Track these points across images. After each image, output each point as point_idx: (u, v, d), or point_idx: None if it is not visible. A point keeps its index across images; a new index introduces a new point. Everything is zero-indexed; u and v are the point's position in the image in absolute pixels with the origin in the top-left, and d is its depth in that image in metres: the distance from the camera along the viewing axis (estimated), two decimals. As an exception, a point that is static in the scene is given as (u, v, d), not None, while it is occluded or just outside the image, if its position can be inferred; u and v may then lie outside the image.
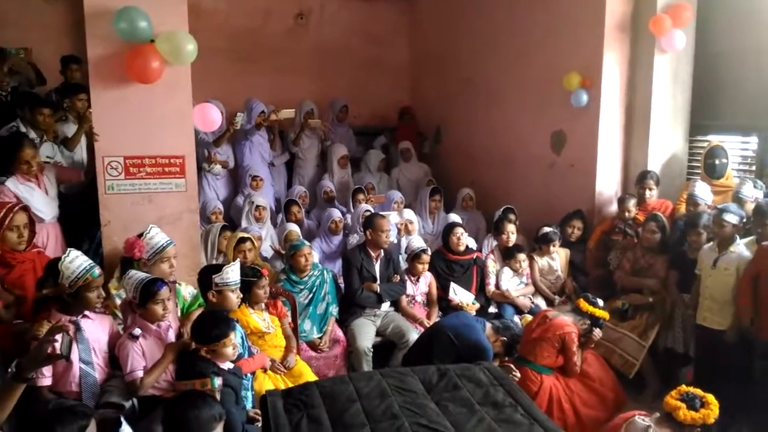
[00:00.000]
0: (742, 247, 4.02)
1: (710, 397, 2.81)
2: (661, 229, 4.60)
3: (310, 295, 4.61)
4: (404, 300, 4.91)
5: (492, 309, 4.96)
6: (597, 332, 3.86)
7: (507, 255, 5.15)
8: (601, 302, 3.93)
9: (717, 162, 4.87)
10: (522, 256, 5.08)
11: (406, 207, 6.02)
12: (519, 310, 4.91)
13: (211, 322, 3.05)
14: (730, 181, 4.84)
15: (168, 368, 3.08)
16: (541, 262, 5.14)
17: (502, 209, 5.54)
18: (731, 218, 4.01)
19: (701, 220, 4.34)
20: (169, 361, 3.08)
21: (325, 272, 4.76)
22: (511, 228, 5.17)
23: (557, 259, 5.14)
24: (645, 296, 4.60)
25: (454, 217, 5.83)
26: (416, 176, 7.13)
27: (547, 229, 5.10)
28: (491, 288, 5.03)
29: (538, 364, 3.69)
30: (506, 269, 5.08)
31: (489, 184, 6.69)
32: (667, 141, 5.38)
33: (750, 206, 4.27)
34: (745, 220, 4.12)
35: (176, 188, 4.41)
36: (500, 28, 6.50)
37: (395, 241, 5.41)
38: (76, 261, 3.05)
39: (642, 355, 4.43)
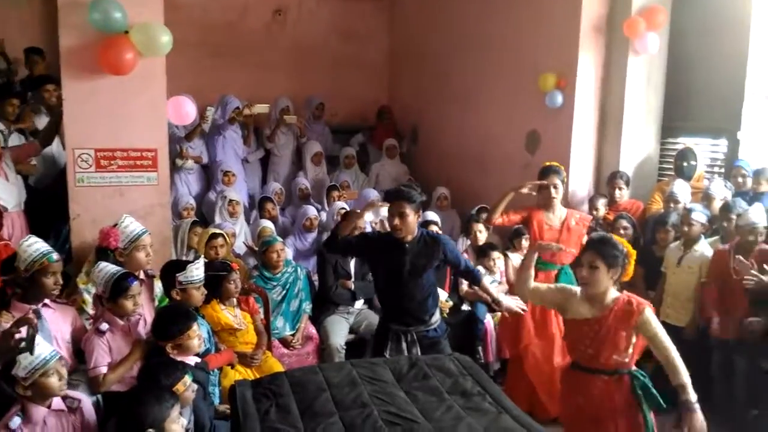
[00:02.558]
0: (705, 247, 4.12)
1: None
2: (632, 227, 4.67)
3: (283, 292, 4.59)
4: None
5: (465, 307, 4.98)
6: None
7: (481, 254, 5.17)
8: None
9: (687, 164, 4.97)
10: (495, 254, 5.11)
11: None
12: (492, 308, 4.93)
13: (171, 317, 2.99)
14: (700, 182, 4.93)
15: (136, 365, 3.02)
16: (516, 259, 5.17)
17: (475, 209, 5.57)
18: (699, 217, 4.11)
19: (670, 219, 4.43)
20: (136, 359, 3.02)
21: (298, 269, 4.73)
22: (479, 227, 5.20)
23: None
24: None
25: (431, 216, 5.84)
26: (397, 174, 7.14)
27: (518, 225, 5.15)
28: (464, 287, 5.05)
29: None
30: (479, 268, 5.10)
31: (464, 184, 6.72)
32: (639, 142, 5.46)
33: (717, 204, 4.36)
34: (710, 219, 4.21)
35: (148, 182, 4.36)
36: (477, 28, 6.54)
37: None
38: (35, 245, 3.00)
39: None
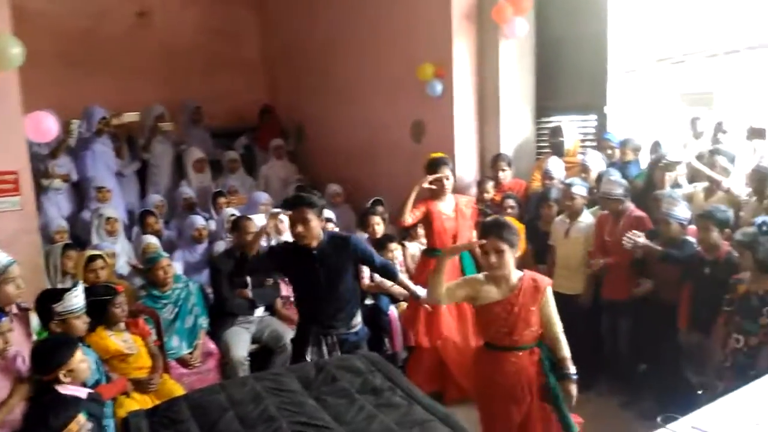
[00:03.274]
0: (588, 217, 4.35)
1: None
2: (518, 205, 4.84)
3: (176, 310, 4.32)
4: (279, 302, 4.77)
5: (368, 301, 4.94)
6: None
7: (380, 246, 5.15)
8: None
9: (557, 140, 5.22)
10: (393, 246, 5.10)
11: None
12: (394, 299, 4.93)
13: (49, 348, 2.73)
14: (575, 157, 5.20)
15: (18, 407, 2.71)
16: (412, 248, 5.20)
17: (370, 202, 5.55)
18: (579, 190, 4.33)
19: (552, 194, 4.64)
20: (18, 400, 2.71)
21: (190, 284, 4.48)
22: (375, 220, 5.19)
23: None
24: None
25: (326, 214, 5.74)
26: (286, 175, 6.97)
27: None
28: (366, 281, 5.01)
29: None
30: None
31: (356, 178, 6.69)
32: (516, 124, 5.67)
33: (593, 175, 4.61)
34: (590, 190, 4.45)
35: (11, 207, 4.05)
36: (353, 21, 6.52)
37: (264, 243, 5.22)
38: None
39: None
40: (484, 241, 2.79)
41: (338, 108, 6.96)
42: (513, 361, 2.84)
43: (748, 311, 3.19)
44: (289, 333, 4.44)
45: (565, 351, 2.88)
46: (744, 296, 3.22)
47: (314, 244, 3.36)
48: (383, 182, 6.28)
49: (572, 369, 2.87)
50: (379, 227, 5.22)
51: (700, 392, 3.50)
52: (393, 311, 4.86)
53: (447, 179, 4.27)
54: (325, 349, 3.34)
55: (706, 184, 4.22)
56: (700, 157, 4.37)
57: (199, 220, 5.36)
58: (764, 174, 3.78)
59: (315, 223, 3.31)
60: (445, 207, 4.32)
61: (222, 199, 5.91)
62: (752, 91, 5.06)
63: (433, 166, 4.30)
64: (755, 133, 4.20)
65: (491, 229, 2.86)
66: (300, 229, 3.28)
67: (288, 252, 3.49)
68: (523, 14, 5.27)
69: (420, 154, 5.86)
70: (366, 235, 5.32)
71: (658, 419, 2.46)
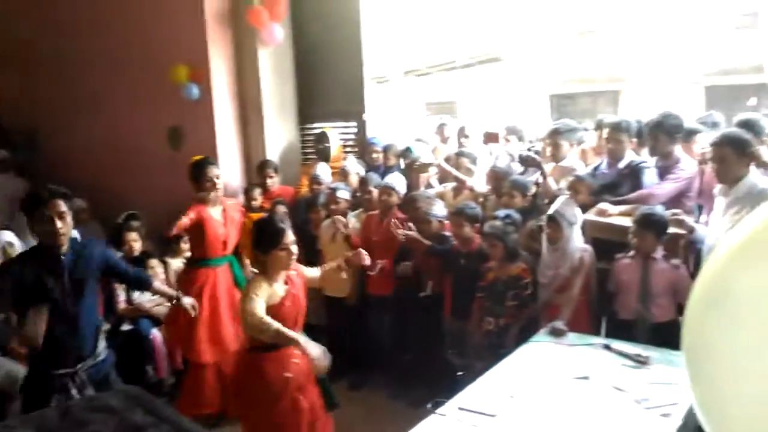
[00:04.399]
0: (353, 220, 4.47)
1: None
2: (289, 212, 4.79)
3: None
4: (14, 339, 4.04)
5: (126, 327, 4.45)
6: None
7: (138, 264, 4.67)
8: None
9: (323, 146, 5.31)
10: (154, 262, 4.69)
11: (4, 228, 4.97)
12: (157, 321, 4.52)
13: None
14: (339, 162, 5.32)
15: None
16: (176, 263, 4.83)
17: (122, 217, 5.01)
18: (343, 194, 4.45)
19: (319, 200, 4.68)
20: None
21: None
22: (132, 236, 4.72)
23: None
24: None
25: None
26: (14, 190, 5.92)
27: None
28: (122, 304, 4.51)
29: None
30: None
31: (105, 191, 6.00)
32: (280, 130, 5.63)
33: (354, 179, 4.75)
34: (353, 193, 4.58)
35: None
36: (95, 21, 5.86)
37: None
38: None
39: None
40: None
41: (82, 113, 6.20)
42: (299, 353, 2.77)
43: (496, 295, 3.55)
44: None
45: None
46: (492, 282, 3.58)
47: (65, 247, 2.80)
48: (138, 194, 5.75)
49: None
50: (137, 244, 4.74)
51: (460, 374, 3.78)
52: (156, 334, 4.46)
53: (217, 179, 4.02)
54: (74, 392, 2.77)
55: (453, 183, 4.61)
56: (447, 160, 4.77)
57: None
58: (499, 173, 4.25)
59: (70, 218, 2.78)
60: (216, 212, 4.07)
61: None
62: (487, 100, 5.69)
63: (200, 167, 4.01)
64: (490, 138, 4.71)
65: (275, 235, 2.84)
66: (59, 224, 2.70)
67: (28, 262, 2.80)
68: (279, 20, 5.24)
69: (179, 162, 5.49)
70: (120, 254, 4.80)
71: (428, 405, 2.58)
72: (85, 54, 5.99)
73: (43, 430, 1.92)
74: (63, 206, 2.74)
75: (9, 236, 4.80)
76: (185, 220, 3.87)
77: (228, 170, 5.39)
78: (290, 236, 2.86)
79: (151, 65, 5.48)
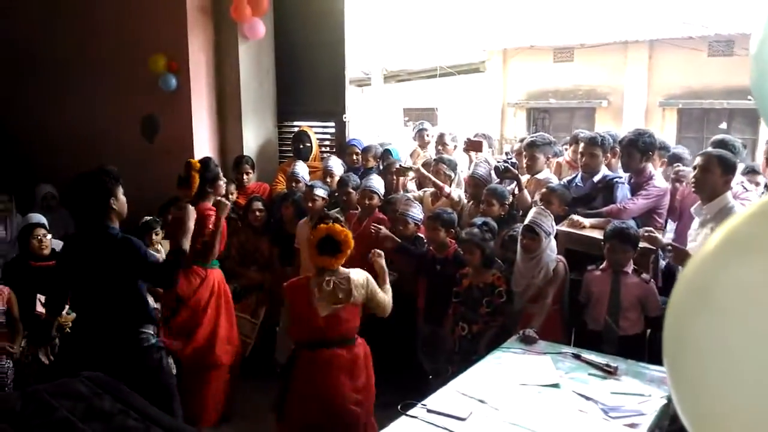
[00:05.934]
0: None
1: None
2: (266, 209, 4.76)
3: None
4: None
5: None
6: None
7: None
8: None
9: (303, 146, 5.30)
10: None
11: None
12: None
13: None
14: (317, 162, 5.30)
15: None
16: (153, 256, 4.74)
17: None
18: (320, 192, 4.44)
19: (293, 197, 4.65)
20: None
21: None
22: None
23: (162, 250, 4.81)
24: (254, 277, 4.69)
25: (37, 218, 4.91)
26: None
27: (147, 218, 4.75)
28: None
29: None
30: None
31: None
32: (258, 126, 5.58)
33: (335, 179, 4.74)
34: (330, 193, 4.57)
35: None
36: (75, 8, 5.71)
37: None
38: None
39: (255, 333, 4.53)
40: None
41: (53, 100, 5.98)
42: None
43: (471, 302, 3.57)
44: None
45: None
46: (467, 289, 3.60)
47: None
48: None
49: None
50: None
51: (431, 377, 3.79)
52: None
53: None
54: None
55: (432, 189, 4.62)
56: (426, 165, 4.78)
57: None
58: (479, 181, 4.28)
59: None
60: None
61: None
62: (466, 108, 5.73)
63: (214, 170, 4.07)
64: (471, 145, 4.74)
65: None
66: None
67: None
68: (261, 15, 5.19)
69: (153, 154, 5.40)
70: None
71: (399, 407, 2.58)
72: (56, 40, 5.83)
73: (6, 414, 1.86)
74: None
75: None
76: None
77: (204, 165, 5.32)
78: None
79: (128, 52, 5.35)
